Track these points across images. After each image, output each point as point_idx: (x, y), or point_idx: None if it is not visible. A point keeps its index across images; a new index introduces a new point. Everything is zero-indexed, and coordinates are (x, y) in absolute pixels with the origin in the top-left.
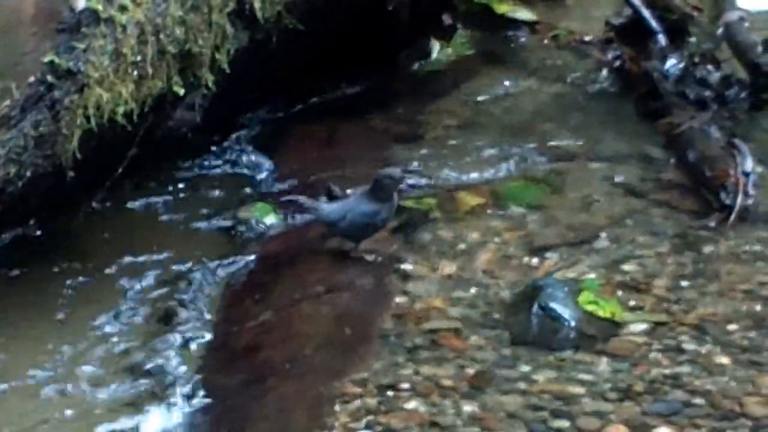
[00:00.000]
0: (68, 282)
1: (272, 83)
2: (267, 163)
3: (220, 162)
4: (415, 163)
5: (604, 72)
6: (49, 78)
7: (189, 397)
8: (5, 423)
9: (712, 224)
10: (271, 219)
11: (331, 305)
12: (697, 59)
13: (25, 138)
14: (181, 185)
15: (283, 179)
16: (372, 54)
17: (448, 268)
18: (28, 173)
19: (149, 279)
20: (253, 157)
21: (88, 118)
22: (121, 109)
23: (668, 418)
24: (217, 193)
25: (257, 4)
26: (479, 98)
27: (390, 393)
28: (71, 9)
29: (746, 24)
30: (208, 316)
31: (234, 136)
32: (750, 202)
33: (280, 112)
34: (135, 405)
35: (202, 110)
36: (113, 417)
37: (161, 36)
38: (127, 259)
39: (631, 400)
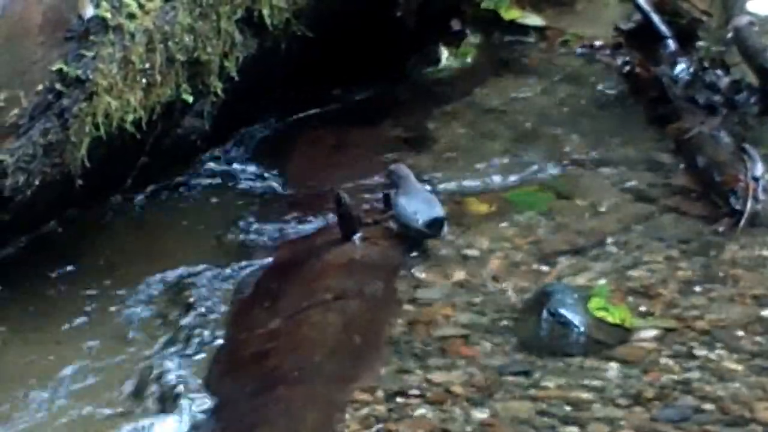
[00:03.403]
0: (75, 288)
1: (281, 90)
2: (275, 170)
3: (228, 169)
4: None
5: (614, 77)
6: (58, 86)
7: (197, 405)
8: (9, 428)
9: (722, 229)
10: None
11: (340, 312)
12: (706, 64)
13: (34, 146)
14: (189, 192)
15: (292, 185)
16: (380, 60)
17: (458, 274)
18: (37, 181)
19: (158, 286)
20: (261, 164)
21: (96, 126)
22: (129, 117)
23: (678, 424)
24: (225, 199)
25: (266, 12)
26: (488, 104)
27: (399, 400)
28: (79, 17)
29: (756, 28)
30: (216, 324)
31: (242, 142)
32: (760, 207)
33: (288, 118)
34: (142, 412)
35: (210, 117)
36: (120, 423)
37: (170, 44)
38: (135, 265)
39: (641, 406)
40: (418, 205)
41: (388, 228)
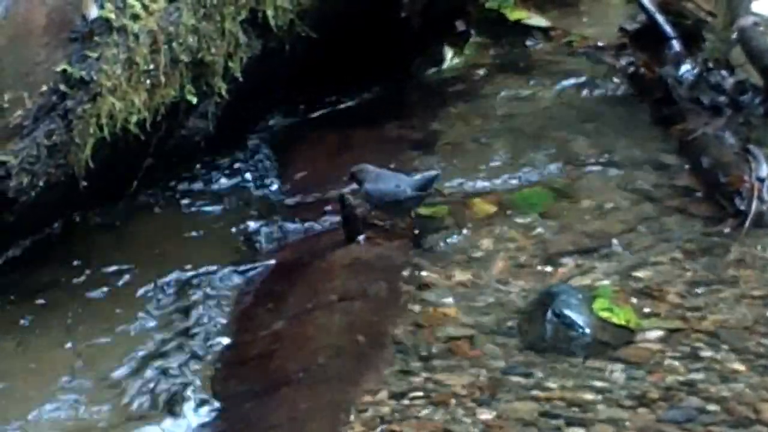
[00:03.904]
0: (81, 289)
1: (285, 91)
2: (280, 171)
3: (233, 170)
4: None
5: (618, 78)
6: (62, 87)
7: (201, 406)
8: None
9: (727, 230)
10: None
11: (344, 313)
12: (711, 65)
13: (38, 147)
14: (193, 193)
15: (296, 187)
16: (385, 61)
17: (462, 275)
18: (41, 183)
19: (162, 287)
20: (266, 165)
21: (101, 127)
22: (134, 118)
23: (683, 425)
24: (229, 200)
25: (270, 12)
26: (493, 105)
27: (404, 401)
28: (83, 18)
29: (761, 29)
30: (221, 325)
31: (247, 143)
32: (765, 207)
33: (292, 119)
34: (148, 413)
35: (215, 118)
36: (125, 426)
37: (174, 44)
38: (140, 266)
39: (646, 407)
40: (394, 180)
41: (392, 228)
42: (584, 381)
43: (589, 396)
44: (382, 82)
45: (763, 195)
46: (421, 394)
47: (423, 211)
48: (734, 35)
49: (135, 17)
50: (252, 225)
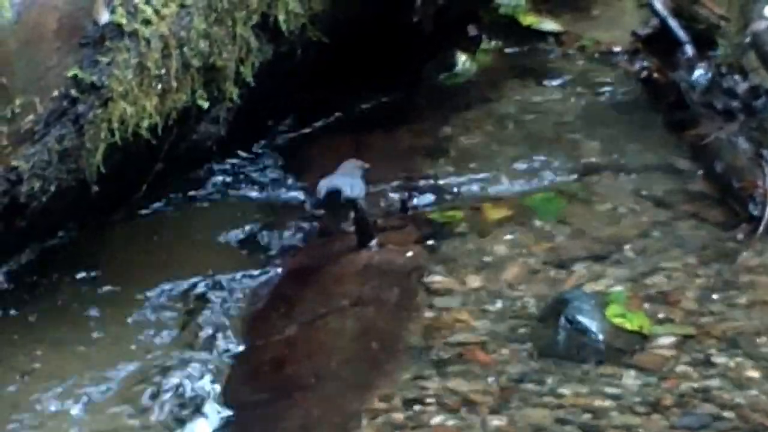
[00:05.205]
0: (91, 296)
1: (296, 96)
2: (291, 176)
3: (243, 175)
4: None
5: (631, 83)
6: (73, 92)
7: (213, 412)
8: None
9: (740, 236)
10: None
11: (356, 319)
12: (724, 69)
13: (49, 152)
14: (204, 198)
15: (308, 192)
16: (396, 66)
17: (475, 281)
18: (52, 188)
19: (173, 293)
20: (276, 170)
21: (112, 132)
22: (145, 123)
23: (697, 431)
24: (240, 205)
25: (281, 17)
26: (505, 110)
27: (417, 407)
28: (95, 23)
29: None
30: (233, 331)
31: (258, 149)
32: None
33: (304, 124)
34: (159, 421)
35: (226, 123)
36: None
37: (185, 49)
38: (151, 272)
39: (659, 414)
40: (329, 180)
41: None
42: (597, 387)
43: (602, 402)
44: (393, 86)
45: None
46: (433, 400)
47: (436, 216)
48: (747, 39)
49: (146, 22)
50: (264, 230)
